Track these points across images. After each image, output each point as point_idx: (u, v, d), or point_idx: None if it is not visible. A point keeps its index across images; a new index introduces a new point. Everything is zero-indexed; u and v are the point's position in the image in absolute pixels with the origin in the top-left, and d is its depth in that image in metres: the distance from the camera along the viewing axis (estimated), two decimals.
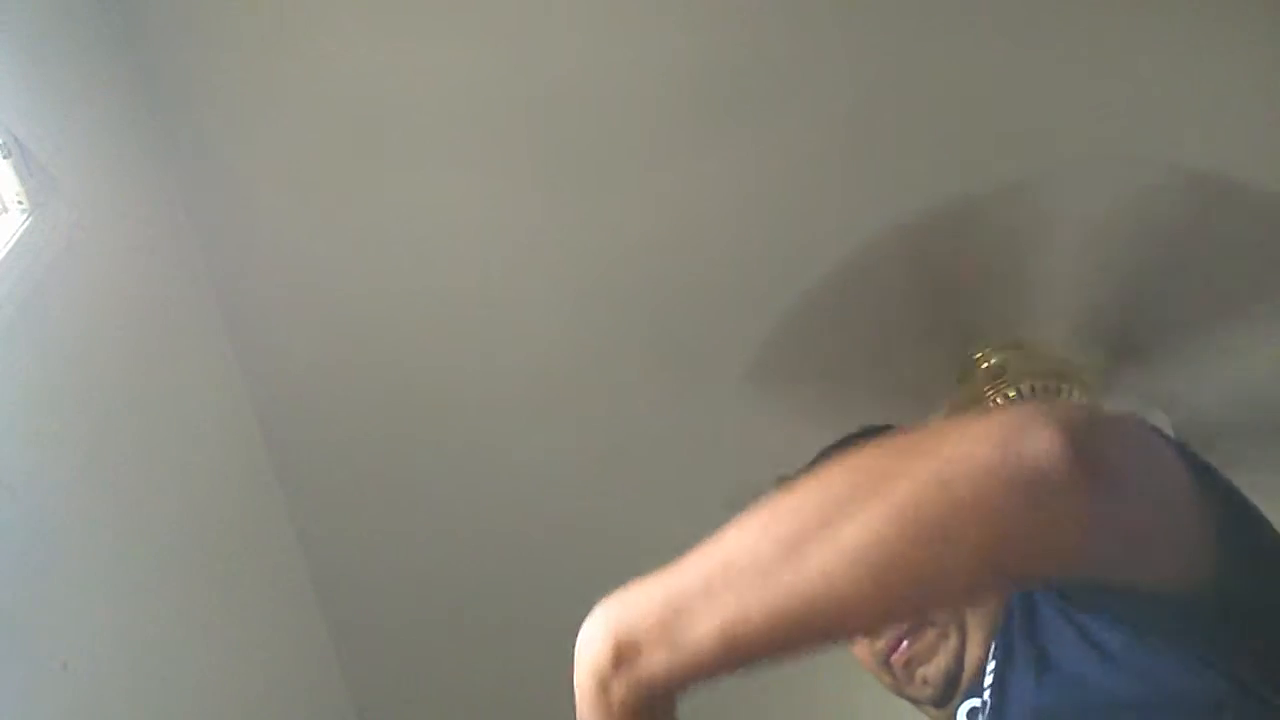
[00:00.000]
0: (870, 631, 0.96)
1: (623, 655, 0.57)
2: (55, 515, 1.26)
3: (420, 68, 1.51)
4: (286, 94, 1.52)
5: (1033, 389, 1.79)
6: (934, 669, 0.97)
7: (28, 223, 1.27)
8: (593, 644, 0.59)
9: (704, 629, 0.56)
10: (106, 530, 1.35)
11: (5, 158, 1.25)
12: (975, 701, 0.91)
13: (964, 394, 1.82)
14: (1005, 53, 1.53)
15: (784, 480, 0.79)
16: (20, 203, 1.27)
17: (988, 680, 0.88)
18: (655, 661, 0.57)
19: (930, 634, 0.97)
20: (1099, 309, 1.77)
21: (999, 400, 1.78)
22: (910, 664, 0.98)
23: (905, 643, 0.97)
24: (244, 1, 1.46)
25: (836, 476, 0.58)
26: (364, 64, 1.50)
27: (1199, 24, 1.50)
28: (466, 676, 2.06)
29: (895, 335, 1.80)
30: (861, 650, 1.03)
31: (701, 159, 1.60)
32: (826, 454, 1.14)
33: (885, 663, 0.99)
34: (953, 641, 0.96)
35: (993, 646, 0.90)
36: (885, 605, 0.56)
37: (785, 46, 1.52)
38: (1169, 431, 1.78)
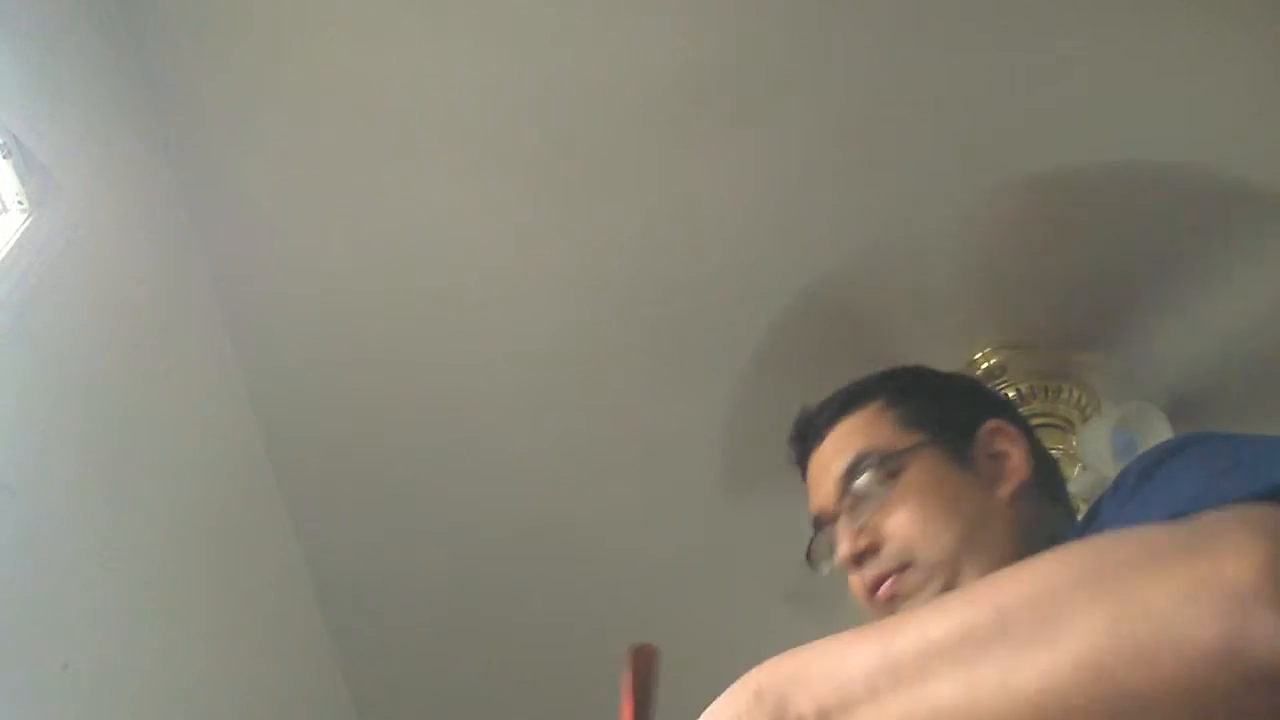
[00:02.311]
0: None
1: None
2: (55, 515, 1.26)
3: (420, 68, 1.51)
4: (286, 94, 1.52)
5: (1032, 389, 1.79)
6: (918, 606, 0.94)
7: (28, 223, 1.27)
8: (735, 704, 0.58)
9: None
10: (106, 530, 1.35)
11: (5, 158, 1.25)
12: None
13: None
14: (1004, 52, 1.53)
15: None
16: (20, 203, 1.28)
17: None
18: None
19: (915, 573, 0.93)
20: (1097, 308, 1.77)
21: None
22: (894, 600, 0.94)
23: (890, 581, 0.94)
24: (244, 1, 1.46)
25: (1020, 594, 0.53)
26: (364, 64, 1.50)
27: (1199, 24, 1.50)
28: (466, 676, 2.06)
29: (895, 335, 1.80)
30: (854, 580, 1.00)
31: (701, 159, 1.60)
32: (965, 379, 1.12)
33: (870, 596, 0.96)
34: (938, 582, 0.92)
35: None
36: None
37: (785, 46, 1.52)
38: (1168, 431, 1.78)
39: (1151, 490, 0.69)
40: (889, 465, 0.97)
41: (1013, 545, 0.92)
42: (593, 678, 2.03)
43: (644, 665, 0.82)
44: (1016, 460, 0.99)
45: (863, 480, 0.98)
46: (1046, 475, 1.02)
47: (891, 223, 1.66)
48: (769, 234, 1.68)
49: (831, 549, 1.01)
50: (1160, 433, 1.78)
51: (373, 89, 1.52)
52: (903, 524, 0.94)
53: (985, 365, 1.82)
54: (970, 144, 1.61)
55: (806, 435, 1.08)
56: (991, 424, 1.01)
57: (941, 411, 1.03)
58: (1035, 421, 1.78)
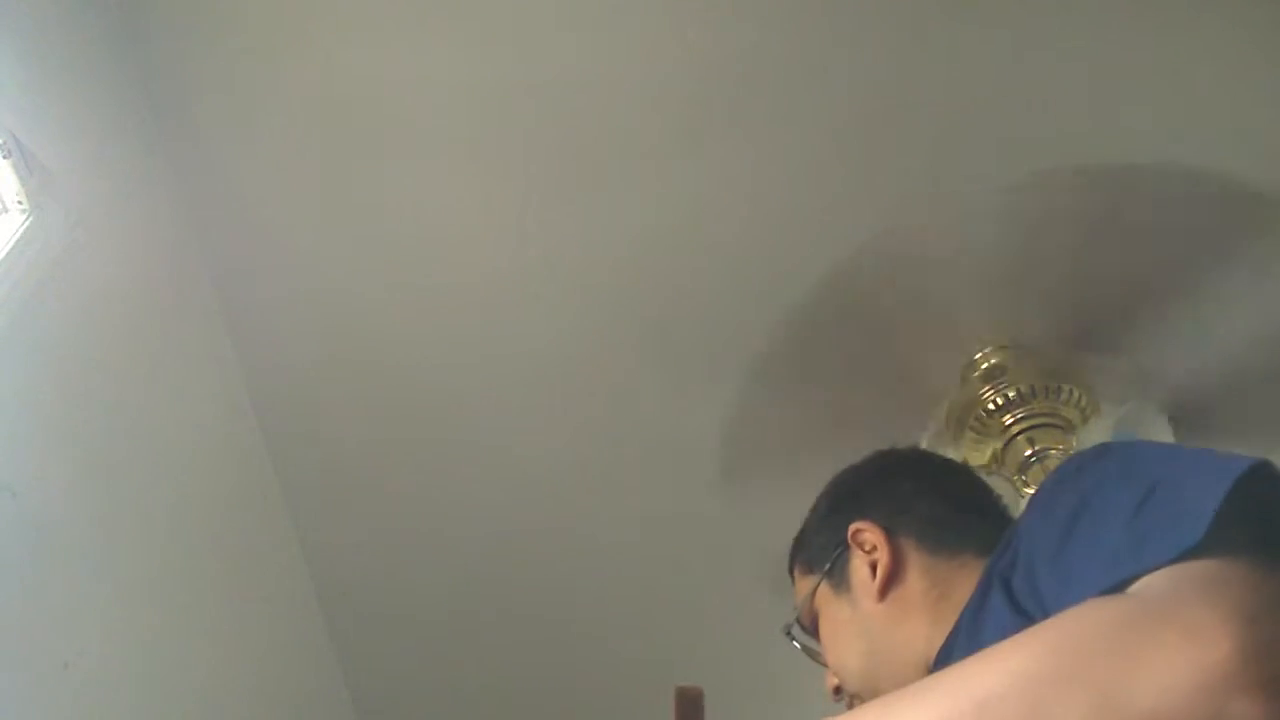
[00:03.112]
0: None
1: None
2: (55, 515, 1.26)
3: (420, 68, 1.51)
4: (286, 94, 1.52)
5: (1033, 389, 1.79)
6: None
7: (28, 223, 1.27)
8: None
9: None
10: (107, 530, 1.35)
11: (5, 158, 1.25)
12: None
13: (964, 394, 1.82)
14: (1005, 55, 1.53)
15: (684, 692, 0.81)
16: (20, 203, 1.27)
17: None
18: None
19: (858, 699, 1.01)
20: (1097, 308, 1.77)
21: (999, 400, 1.78)
22: (853, 701, 1.03)
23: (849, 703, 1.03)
24: (244, 1, 1.46)
25: (997, 687, 0.55)
26: (363, 64, 1.50)
27: (1200, 26, 1.50)
28: (466, 677, 2.06)
29: (895, 335, 1.80)
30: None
31: (702, 159, 1.60)
32: (852, 474, 1.17)
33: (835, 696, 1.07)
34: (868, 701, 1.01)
35: None
36: None
37: (785, 48, 1.52)
38: (1168, 433, 1.78)
39: (1065, 519, 0.71)
40: (807, 619, 1.10)
41: (903, 638, 0.98)
42: (592, 678, 2.03)
43: (690, 707, 0.84)
44: (879, 552, 1.04)
45: (800, 638, 1.12)
46: (929, 535, 1.04)
47: (891, 223, 1.66)
48: (770, 234, 1.67)
49: None
50: (1160, 433, 1.78)
51: (373, 89, 1.52)
52: (832, 663, 1.06)
53: (985, 365, 1.81)
54: (971, 145, 1.60)
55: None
56: (853, 528, 1.06)
57: (820, 542, 1.11)
58: (1035, 421, 1.78)
